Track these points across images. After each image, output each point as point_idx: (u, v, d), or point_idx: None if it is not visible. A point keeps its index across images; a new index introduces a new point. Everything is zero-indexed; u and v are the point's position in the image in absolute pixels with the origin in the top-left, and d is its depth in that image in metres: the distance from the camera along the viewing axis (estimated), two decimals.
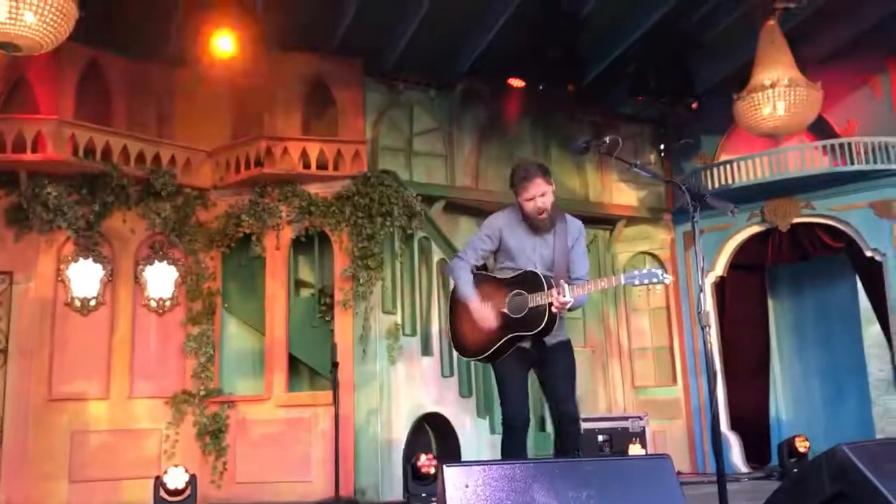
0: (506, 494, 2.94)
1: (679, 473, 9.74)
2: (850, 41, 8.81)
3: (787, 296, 10.76)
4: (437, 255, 8.29)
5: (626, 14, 8.32)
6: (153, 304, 8.07)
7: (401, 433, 7.68)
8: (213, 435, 7.87)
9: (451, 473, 2.99)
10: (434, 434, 8.13)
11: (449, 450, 7.84)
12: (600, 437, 8.70)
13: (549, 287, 3.92)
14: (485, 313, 4.00)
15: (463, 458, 7.71)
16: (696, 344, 9.81)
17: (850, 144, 8.80)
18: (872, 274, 8.96)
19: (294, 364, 8.16)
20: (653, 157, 10.55)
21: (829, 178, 8.92)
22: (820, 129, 9.12)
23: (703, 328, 3.68)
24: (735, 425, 9.68)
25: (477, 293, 4.06)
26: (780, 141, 9.12)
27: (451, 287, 4.25)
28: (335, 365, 7.28)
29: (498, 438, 8.01)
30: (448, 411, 7.95)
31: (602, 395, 10.19)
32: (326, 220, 8.04)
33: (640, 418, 9.14)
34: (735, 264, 9.86)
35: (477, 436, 8.00)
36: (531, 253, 4.09)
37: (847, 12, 8.36)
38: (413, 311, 8.07)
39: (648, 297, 10.52)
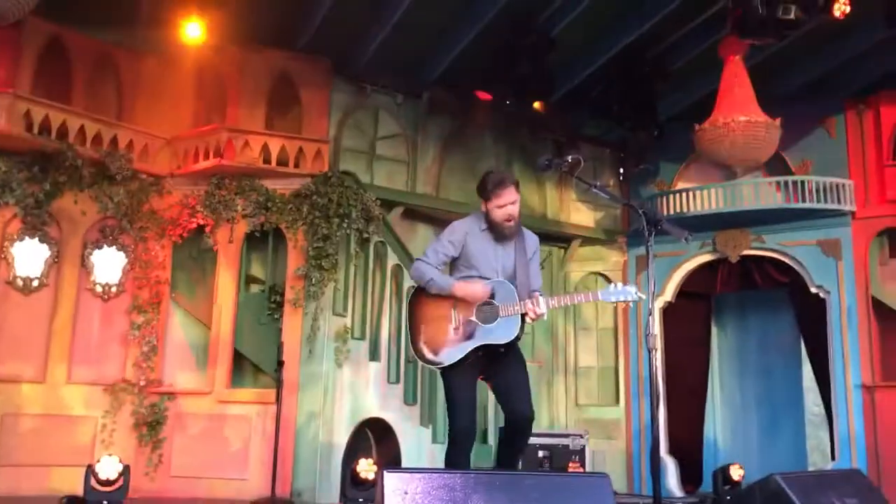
0: None
1: (616, 494, 9.81)
2: (809, 82, 9.04)
3: (732, 325, 10.97)
4: (392, 260, 8.27)
5: (595, 37, 8.44)
6: (99, 289, 7.90)
7: (342, 437, 7.62)
8: (151, 426, 7.72)
9: (391, 480, 2.98)
10: (375, 440, 8.08)
11: (390, 456, 7.81)
12: (540, 453, 8.73)
13: (522, 298, 3.92)
14: (475, 288, 3.94)
15: (403, 466, 7.69)
16: (641, 366, 9.94)
17: (803, 182, 9.02)
18: (815, 310, 9.18)
19: (238, 360, 8.05)
20: (612, 181, 10.68)
21: (781, 214, 9.13)
22: (776, 165, 9.34)
23: (649, 351, 3.73)
24: (672, 449, 9.82)
25: (453, 284, 3.99)
26: (737, 174, 9.31)
27: (411, 291, 4.17)
28: (280, 364, 7.20)
29: (439, 448, 8.09)
30: (391, 418, 7.92)
31: (545, 411, 10.24)
32: (283, 217, 7.97)
33: (581, 436, 9.21)
34: (683, 291, 10.03)
35: (418, 444, 7.98)
36: (493, 261, 4.08)
37: (808, 55, 8.59)
38: (364, 314, 8.03)
39: (598, 316, 10.64)
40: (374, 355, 7.98)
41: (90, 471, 5.86)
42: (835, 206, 8.97)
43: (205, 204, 8.01)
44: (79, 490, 5.96)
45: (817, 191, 8.98)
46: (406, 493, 2.95)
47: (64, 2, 7.39)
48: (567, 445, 9.05)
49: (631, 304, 10.24)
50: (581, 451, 9.05)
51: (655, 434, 3.71)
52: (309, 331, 7.68)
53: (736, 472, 8.13)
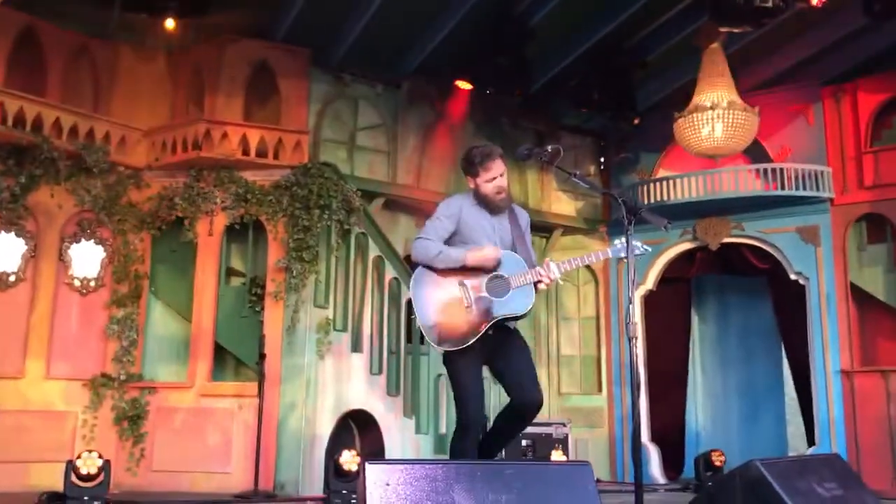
0: (426, 494, 2.94)
1: (598, 481, 9.89)
2: (787, 70, 9.09)
3: (713, 312, 11.05)
4: (373, 251, 8.24)
5: (574, 27, 8.45)
6: (77, 283, 7.82)
7: (325, 429, 7.61)
8: (132, 421, 7.68)
9: (372, 471, 2.97)
10: (359, 431, 8.08)
11: (373, 448, 7.81)
12: (523, 442, 8.78)
13: (532, 266, 3.84)
14: (486, 252, 3.81)
15: (387, 457, 7.69)
16: (623, 355, 9.99)
17: (782, 170, 9.07)
18: (794, 297, 9.26)
19: (220, 353, 8.02)
20: (592, 169, 10.71)
21: (760, 202, 9.18)
22: (755, 153, 9.38)
23: (630, 339, 3.74)
24: (654, 436, 9.89)
25: (464, 252, 3.84)
26: (716, 162, 9.35)
27: (414, 275, 3.94)
28: (262, 356, 7.19)
29: (423, 438, 8.11)
30: (374, 409, 7.91)
31: None
32: (263, 209, 7.92)
33: (564, 425, 9.27)
34: (665, 278, 10.08)
35: (402, 435, 7.98)
36: (492, 233, 3.98)
37: (786, 42, 8.64)
38: (345, 306, 8.00)
39: (580, 305, 10.67)
40: (356, 347, 7.96)
41: (70, 466, 5.83)
42: (813, 193, 9.03)
43: (184, 196, 7.95)
44: (59, 486, 5.93)
45: (796, 178, 9.03)
46: (388, 484, 2.94)
47: None
48: (550, 434, 9.11)
49: (611, 290, 10.30)
50: (564, 440, 9.12)
51: (636, 423, 3.71)
52: (290, 323, 7.65)
53: (717, 458, 8.23)
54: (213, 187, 7.95)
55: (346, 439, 7.86)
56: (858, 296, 9.04)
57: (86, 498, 5.81)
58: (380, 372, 8.02)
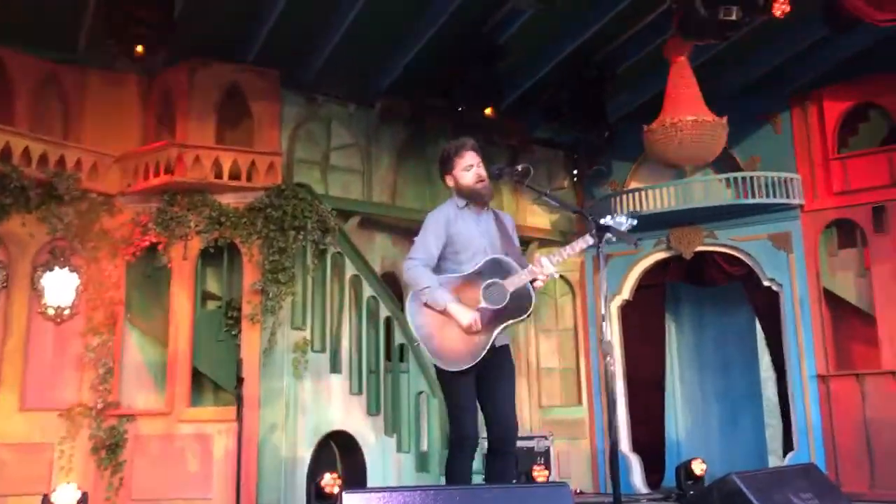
0: None
1: (581, 493, 9.93)
2: (754, 80, 9.23)
3: (689, 321, 11.14)
4: (350, 270, 8.23)
5: (543, 42, 8.52)
6: (51, 311, 7.74)
7: (305, 451, 7.57)
8: (110, 450, 7.59)
9: (350, 501, 2.97)
10: (340, 452, 8.05)
11: (355, 469, 7.78)
12: None
13: (523, 267, 3.81)
14: (469, 314, 3.70)
15: (369, 478, 7.67)
16: (602, 365, 10.02)
17: (752, 178, 9.19)
18: (769, 303, 9.36)
19: (197, 378, 7.96)
20: (566, 182, 10.79)
21: (732, 210, 9.29)
22: (725, 162, 9.50)
23: (603, 358, 3.77)
24: (635, 446, 9.93)
25: (447, 301, 3.74)
26: (687, 172, 9.46)
27: (411, 297, 3.85)
28: (240, 380, 7.13)
29: (405, 457, 8.09)
30: (355, 429, 7.88)
31: None
32: (237, 232, 7.89)
33: (546, 438, 9.28)
34: (641, 288, 10.16)
35: (383, 454, 7.96)
36: (479, 239, 3.93)
37: (752, 53, 8.77)
38: (323, 327, 7.98)
39: (558, 317, 10.72)
40: (335, 367, 7.94)
41: (46, 501, 5.75)
42: (784, 201, 9.15)
43: (157, 221, 7.91)
44: None
45: (766, 186, 9.15)
46: None
47: (2, 21, 7.23)
48: (532, 448, 9.12)
49: (589, 302, 10.35)
50: (546, 453, 9.13)
51: (613, 437, 3.73)
52: (267, 345, 7.62)
53: (698, 467, 8.27)
54: (186, 211, 7.92)
55: (328, 461, 7.82)
56: (831, 301, 9.17)
57: None
58: (360, 392, 8.00)
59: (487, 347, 3.73)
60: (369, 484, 7.47)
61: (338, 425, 7.83)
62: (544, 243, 10.55)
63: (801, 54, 8.72)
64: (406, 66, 8.54)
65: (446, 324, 3.75)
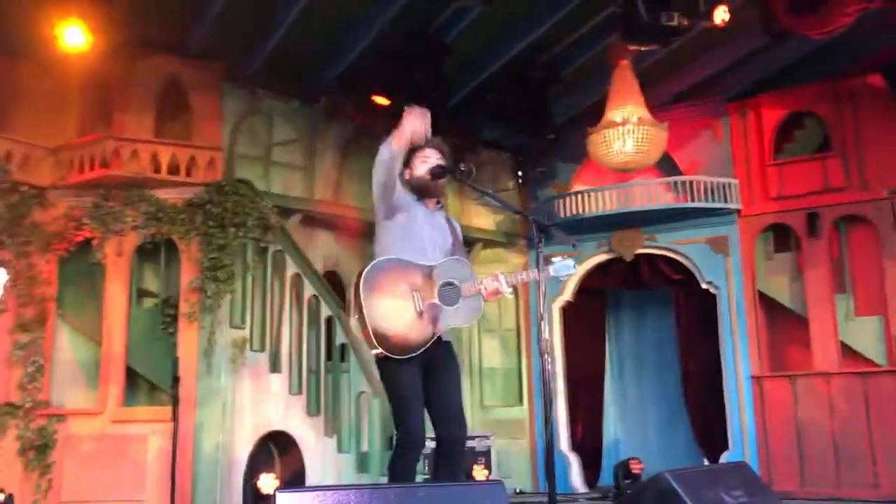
0: None
1: (521, 493, 9.95)
2: (695, 86, 9.40)
3: (629, 323, 11.28)
4: (291, 269, 8.13)
5: (489, 43, 8.54)
6: None
7: (243, 452, 7.45)
8: (39, 450, 7.35)
9: (284, 501, 2.92)
10: (279, 453, 7.94)
11: (294, 469, 7.68)
12: None
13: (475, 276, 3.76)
14: (413, 119, 3.74)
15: (308, 478, 7.58)
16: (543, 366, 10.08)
17: (692, 183, 9.35)
18: (706, 306, 9.53)
19: (132, 377, 7.78)
20: (511, 184, 10.83)
21: (672, 214, 9.44)
22: (666, 166, 9.65)
23: (542, 355, 3.78)
24: (575, 445, 10.02)
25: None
26: (629, 175, 9.58)
27: (364, 277, 3.63)
28: (176, 379, 7.00)
29: (344, 458, 8.01)
30: (294, 430, 7.79)
31: None
32: (175, 228, 7.72)
33: (487, 437, 9.31)
34: (582, 290, 10.25)
35: (323, 455, 7.88)
36: (430, 230, 3.88)
37: (693, 60, 8.93)
38: (263, 326, 7.87)
39: (501, 318, 10.76)
40: (274, 367, 7.83)
41: None
42: (722, 205, 9.33)
43: (92, 216, 7.69)
44: None
45: (705, 190, 9.32)
46: None
47: None
48: (473, 447, 9.13)
49: (531, 303, 10.41)
50: (486, 453, 9.16)
51: (549, 436, 3.73)
52: (206, 344, 7.47)
53: (635, 466, 8.40)
54: (122, 206, 7.72)
55: (266, 462, 7.71)
56: (766, 303, 9.38)
57: None
58: (299, 392, 7.91)
59: (433, 340, 3.67)
60: (308, 485, 7.39)
61: (277, 426, 7.72)
62: (489, 244, 10.59)
63: (741, 61, 8.90)
64: (351, 63, 8.47)
65: (396, 310, 3.65)
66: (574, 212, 9.59)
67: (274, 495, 2.95)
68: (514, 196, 10.67)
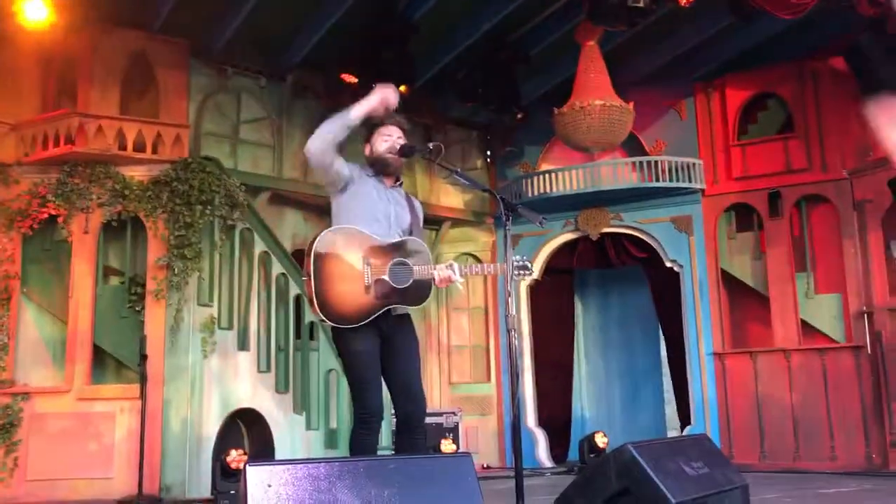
0: (308, 494, 2.94)
1: (488, 468, 10.09)
2: (661, 66, 9.48)
3: (595, 301, 11.44)
4: (259, 247, 8.11)
5: (457, 21, 8.54)
6: None
7: (211, 429, 7.46)
8: (4, 429, 7.30)
9: (253, 473, 2.95)
10: (247, 430, 7.97)
11: (262, 447, 7.72)
12: None
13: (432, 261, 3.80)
14: (373, 96, 3.77)
15: (277, 455, 7.62)
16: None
17: (657, 162, 9.47)
18: (670, 284, 9.69)
19: (99, 355, 7.73)
20: (479, 163, 10.89)
21: (637, 193, 9.56)
22: (632, 146, 9.76)
23: (508, 331, 3.85)
24: (542, 421, 10.17)
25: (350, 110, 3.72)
26: (595, 155, 9.67)
27: (317, 243, 3.64)
28: (144, 357, 7.00)
29: (314, 435, 8.07)
30: (263, 407, 7.81)
31: None
32: (141, 206, 7.67)
33: (454, 414, 9.43)
34: (550, 268, 10.37)
35: (291, 432, 7.92)
36: (382, 205, 3.85)
37: (659, 40, 9.01)
38: (231, 303, 7.86)
39: (469, 296, 10.84)
40: (243, 345, 7.84)
41: None
42: (686, 185, 9.47)
43: (56, 193, 7.62)
44: None
45: (670, 170, 9.45)
46: (270, 485, 2.93)
47: None
48: (441, 423, 9.25)
49: (499, 282, 10.51)
50: (454, 429, 9.28)
51: (516, 411, 3.81)
52: (173, 322, 7.46)
53: (601, 440, 8.56)
54: (88, 183, 7.65)
55: (235, 439, 7.74)
56: (728, 282, 9.56)
57: None
58: (268, 369, 7.93)
59: (374, 315, 3.66)
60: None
61: (245, 403, 7.74)
62: (457, 223, 10.65)
63: (706, 42, 9.00)
64: (319, 41, 8.43)
65: (343, 278, 3.64)
66: (542, 191, 9.67)
67: (244, 468, 2.98)
68: (483, 175, 10.74)
